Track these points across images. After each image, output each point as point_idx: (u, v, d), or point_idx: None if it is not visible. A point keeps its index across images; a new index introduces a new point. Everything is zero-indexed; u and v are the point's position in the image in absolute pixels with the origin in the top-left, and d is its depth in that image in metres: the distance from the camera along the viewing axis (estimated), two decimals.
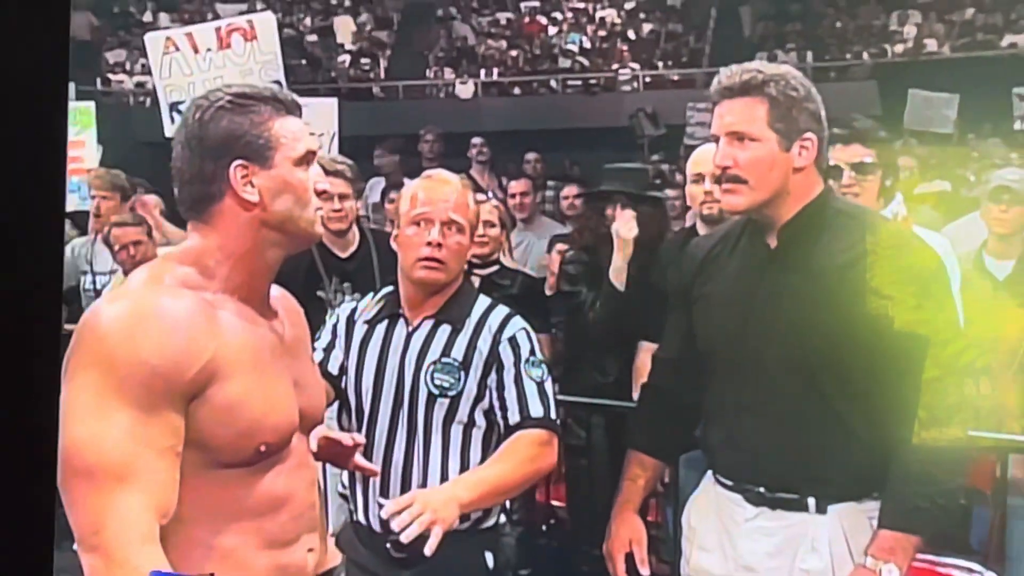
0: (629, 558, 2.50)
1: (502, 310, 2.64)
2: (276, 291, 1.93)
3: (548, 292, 4.57)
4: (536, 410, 2.52)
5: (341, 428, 2.59)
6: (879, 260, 2.21)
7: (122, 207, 5.56)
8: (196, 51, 5.60)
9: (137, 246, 4.93)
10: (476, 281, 3.96)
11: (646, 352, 3.65)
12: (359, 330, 2.64)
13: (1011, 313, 3.27)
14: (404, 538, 2.15)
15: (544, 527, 4.58)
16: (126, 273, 4.97)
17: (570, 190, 6.29)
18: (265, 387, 1.77)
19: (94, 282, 5.53)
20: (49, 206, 1.49)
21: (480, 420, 2.57)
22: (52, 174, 1.49)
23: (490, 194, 4.46)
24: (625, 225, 3.83)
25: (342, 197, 3.76)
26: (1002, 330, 3.33)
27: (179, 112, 5.63)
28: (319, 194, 1.90)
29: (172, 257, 1.83)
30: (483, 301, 2.66)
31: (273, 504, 1.80)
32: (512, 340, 2.57)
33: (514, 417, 2.52)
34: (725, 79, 2.26)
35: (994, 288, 3.82)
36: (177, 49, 5.59)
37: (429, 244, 2.52)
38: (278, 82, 5.71)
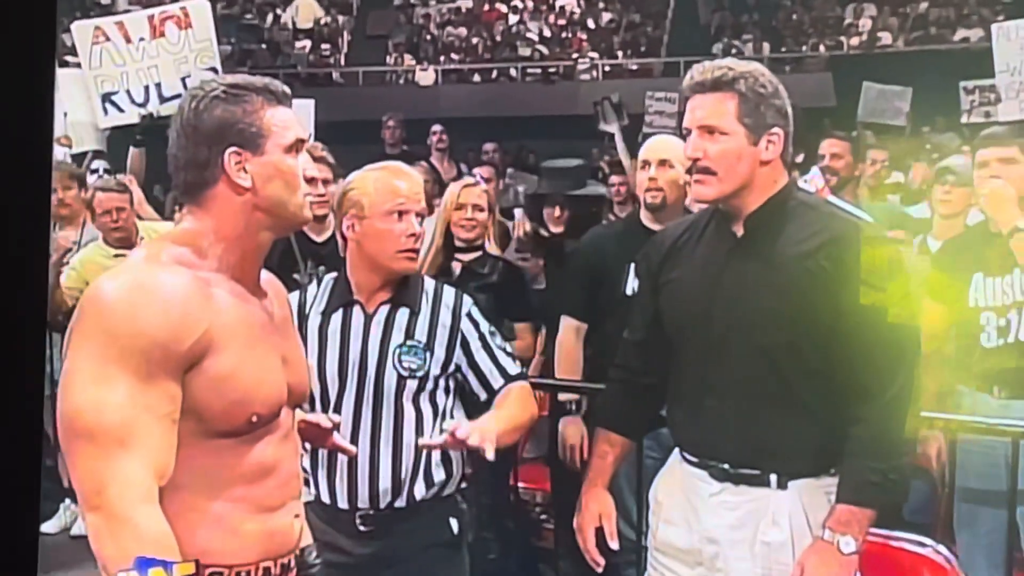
0: (598, 532, 2.59)
1: (449, 288, 2.76)
2: (265, 274, 2.01)
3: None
4: (513, 369, 2.72)
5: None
6: (837, 250, 2.31)
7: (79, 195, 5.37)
8: (128, 40, 5.54)
9: (120, 212, 4.96)
10: (458, 268, 4.01)
11: (568, 327, 3.77)
12: (314, 320, 2.69)
13: (942, 282, 3.44)
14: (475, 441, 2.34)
15: (510, 510, 4.67)
16: (106, 239, 4.99)
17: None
18: (256, 361, 1.85)
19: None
20: (36, 189, 1.57)
21: (446, 396, 2.69)
22: (39, 157, 1.57)
23: (478, 177, 4.41)
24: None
25: (325, 183, 3.82)
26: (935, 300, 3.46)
27: (111, 103, 5.64)
28: (308, 180, 1.99)
29: (168, 237, 1.92)
30: (428, 282, 2.76)
31: (262, 472, 1.88)
32: (470, 315, 2.71)
33: (497, 381, 2.69)
34: (697, 75, 2.36)
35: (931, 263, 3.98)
36: (107, 39, 5.52)
37: (412, 236, 2.61)
38: (214, 68, 5.66)
